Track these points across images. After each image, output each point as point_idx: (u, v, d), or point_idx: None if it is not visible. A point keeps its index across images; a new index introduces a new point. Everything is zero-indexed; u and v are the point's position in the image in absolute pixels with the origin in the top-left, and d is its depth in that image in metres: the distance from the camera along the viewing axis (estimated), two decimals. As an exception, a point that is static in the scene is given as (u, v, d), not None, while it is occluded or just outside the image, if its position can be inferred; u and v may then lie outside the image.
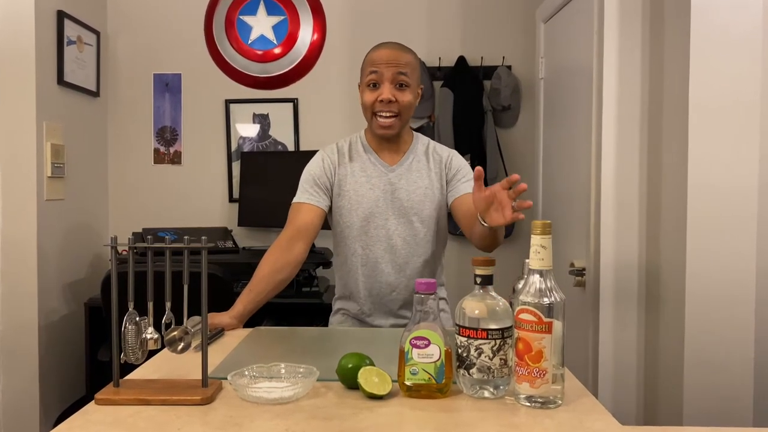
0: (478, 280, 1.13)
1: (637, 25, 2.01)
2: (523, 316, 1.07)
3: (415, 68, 1.71)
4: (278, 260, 1.73)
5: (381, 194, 1.74)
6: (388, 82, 1.66)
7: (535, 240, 1.08)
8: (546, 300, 1.06)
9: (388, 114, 1.68)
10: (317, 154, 1.83)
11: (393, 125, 1.70)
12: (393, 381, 1.12)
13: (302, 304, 2.85)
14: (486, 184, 1.85)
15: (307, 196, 1.77)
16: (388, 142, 1.77)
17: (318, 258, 2.96)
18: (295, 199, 1.78)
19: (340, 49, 3.37)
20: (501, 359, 1.10)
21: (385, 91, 1.66)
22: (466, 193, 1.75)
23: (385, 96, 1.66)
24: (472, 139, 3.15)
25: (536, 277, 1.08)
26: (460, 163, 1.80)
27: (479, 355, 1.09)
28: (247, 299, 1.67)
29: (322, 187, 1.77)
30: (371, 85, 1.69)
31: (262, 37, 3.37)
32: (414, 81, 1.70)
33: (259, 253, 3.35)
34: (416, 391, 1.11)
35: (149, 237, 1.15)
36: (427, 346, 1.10)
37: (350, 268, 1.78)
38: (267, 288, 1.70)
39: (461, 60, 3.27)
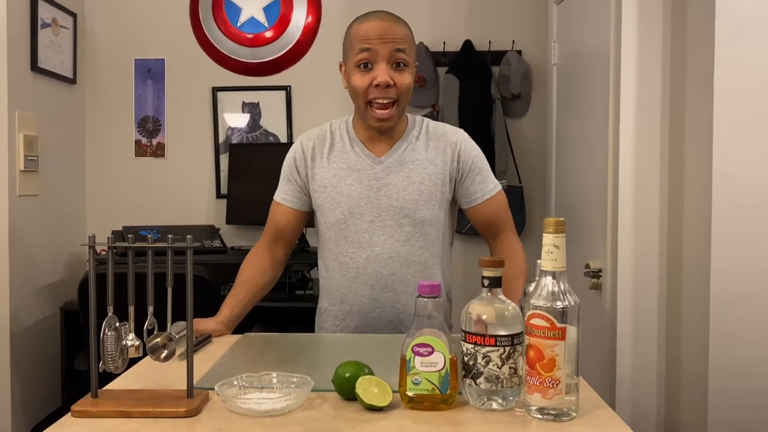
0: (486, 282, 1.13)
1: (657, 6, 2.01)
2: (535, 321, 1.07)
3: (411, 42, 1.58)
4: (261, 262, 1.74)
5: (365, 191, 1.62)
6: (383, 62, 1.53)
7: (548, 239, 1.08)
8: (559, 304, 1.06)
9: (385, 101, 1.55)
10: (296, 141, 1.76)
11: (391, 116, 1.57)
12: (394, 391, 1.12)
13: (295, 308, 2.85)
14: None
15: (281, 195, 1.74)
16: (379, 132, 1.64)
17: (312, 258, 2.95)
18: (275, 195, 1.77)
19: (336, 33, 3.34)
20: (510, 368, 1.10)
21: (381, 73, 1.52)
22: (485, 199, 1.67)
23: (381, 79, 1.52)
24: (479, 130, 3.15)
25: (549, 279, 1.08)
26: (471, 152, 1.68)
27: (487, 363, 1.09)
28: (233, 303, 1.67)
29: (295, 183, 1.71)
30: (362, 66, 1.54)
31: (252, 20, 3.36)
32: (411, 58, 1.57)
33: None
34: (419, 403, 1.11)
35: (130, 236, 1.15)
36: (430, 353, 1.10)
37: (331, 276, 1.69)
38: (253, 291, 1.70)
39: (467, 44, 3.27)
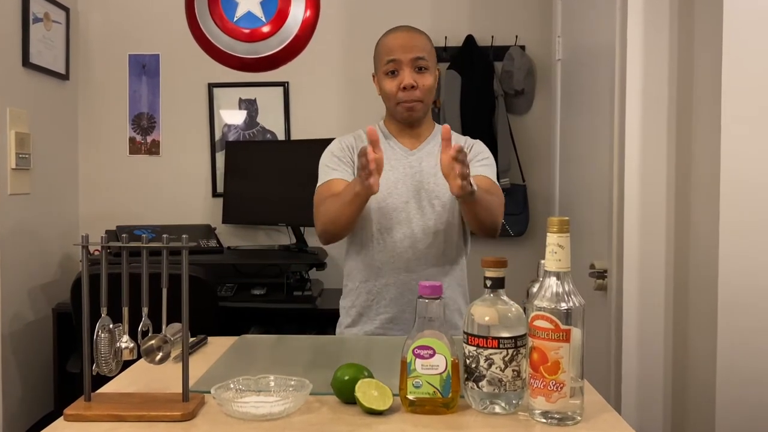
0: (489, 283, 1.13)
1: (664, 0, 2.01)
2: (538, 323, 1.07)
3: (431, 50, 1.83)
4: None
5: (401, 176, 1.83)
6: (407, 68, 1.77)
7: (552, 239, 1.08)
8: (563, 305, 1.06)
9: (411, 101, 1.79)
10: (334, 141, 1.91)
11: (416, 107, 1.81)
12: (394, 395, 1.12)
13: (293, 309, 2.85)
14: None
15: (335, 173, 1.82)
16: (409, 128, 1.87)
17: (311, 259, 2.96)
18: (320, 183, 1.83)
19: (335, 28, 3.37)
20: (514, 371, 1.10)
21: (406, 77, 1.77)
22: (484, 175, 1.82)
23: (406, 81, 1.76)
24: (481, 127, 3.15)
25: (553, 280, 1.08)
26: (481, 148, 1.91)
27: (489, 366, 1.09)
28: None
29: (346, 162, 1.85)
30: (390, 73, 1.79)
31: (249, 14, 3.36)
32: (432, 63, 1.82)
33: (246, 253, 3.36)
34: (420, 406, 1.11)
35: (124, 235, 1.15)
36: (431, 356, 1.10)
37: (366, 253, 1.83)
38: None
39: (470, 39, 3.26)
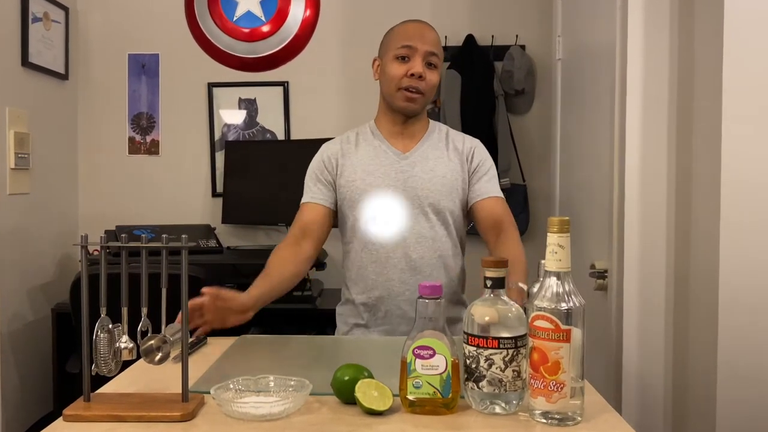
0: (489, 283, 1.13)
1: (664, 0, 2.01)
2: (539, 323, 1.07)
3: (441, 52, 1.82)
4: (284, 255, 1.77)
5: (392, 183, 1.78)
6: (419, 58, 1.74)
7: (552, 239, 1.08)
8: (564, 305, 1.06)
9: (414, 93, 1.76)
10: (320, 150, 1.88)
11: (416, 99, 1.77)
12: (394, 395, 1.12)
13: (293, 309, 2.85)
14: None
15: (310, 195, 1.83)
16: (402, 126, 1.82)
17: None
18: (301, 200, 1.85)
19: (335, 27, 3.37)
20: (514, 371, 1.10)
21: (417, 65, 1.73)
22: (489, 196, 1.80)
23: (416, 69, 1.73)
24: (481, 127, 3.15)
25: (553, 280, 1.08)
26: (482, 155, 1.86)
27: (490, 366, 1.09)
28: (257, 288, 1.65)
29: (325, 182, 1.82)
30: (401, 58, 1.75)
31: (248, 14, 3.36)
32: (440, 65, 1.81)
33: (246, 253, 3.37)
34: (420, 407, 1.11)
35: (123, 235, 1.15)
36: (432, 356, 1.10)
37: (359, 266, 1.80)
38: (276, 279, 1.71)
39: (470, 39, 3.26)
